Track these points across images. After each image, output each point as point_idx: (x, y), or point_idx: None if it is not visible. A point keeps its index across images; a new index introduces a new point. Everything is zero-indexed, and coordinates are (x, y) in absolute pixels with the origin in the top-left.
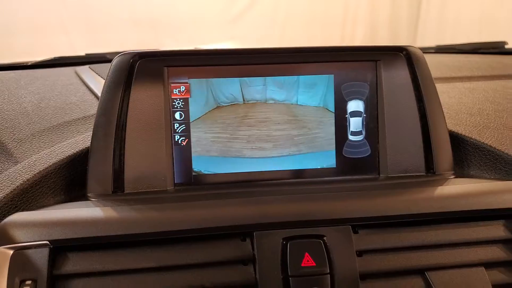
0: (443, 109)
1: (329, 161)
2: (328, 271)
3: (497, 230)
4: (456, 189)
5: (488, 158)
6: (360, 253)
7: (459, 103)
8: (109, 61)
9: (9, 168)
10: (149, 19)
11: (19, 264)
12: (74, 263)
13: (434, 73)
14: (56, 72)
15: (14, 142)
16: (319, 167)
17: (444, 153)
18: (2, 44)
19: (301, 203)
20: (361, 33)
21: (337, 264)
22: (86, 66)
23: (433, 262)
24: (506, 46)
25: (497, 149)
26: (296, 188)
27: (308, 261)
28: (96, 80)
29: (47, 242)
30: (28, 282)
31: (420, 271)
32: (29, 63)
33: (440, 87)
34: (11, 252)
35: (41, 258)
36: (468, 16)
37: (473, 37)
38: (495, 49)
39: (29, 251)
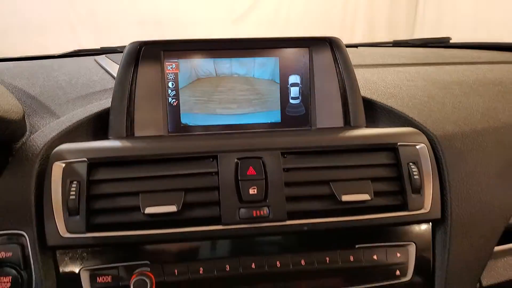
0: (369, 84)
1: (275, 117)
2: (264, 177)
3: (381, 157)
4: (359, 131)
5: (390, 116)
6: (286, 169)
7: (382, 80)
8: (120, 52)
9: (54, 120)
10: (154, 20)
11: (69, 172)
12: (103, 173)
13: (377, 60)
14: (79, 60)
15: (55, 106)
16: (268, 122)
17: (357, 112)
18: (14, 43)
19: (249, 138)
20: (360, 34)
21: (269, 174)
22: (103, 55)
23: (336, 177)
24: (451, 41)
25: (395, 109)
26: (250, 133)
27: (251, 172)
28: (111, 65)
29: (85, 159)
30: (75, 182)
31: (326, 182)
32: (56, 54)
33: (375, 70)
34: (64, 165)
35: (82, 169)
36: (464, 15)
37: (469, 35)
38: (441, 43)
39: (74, 165)
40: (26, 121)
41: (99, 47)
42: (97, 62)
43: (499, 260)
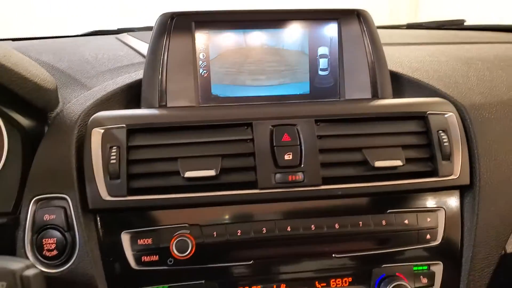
0: (393, 59)
1: (304, 89)
2: (298, 144)
3: (411, 125)
4: (390, 101)
5: (416, 88)
6: (320, 137)
7: (405, 56)
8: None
9: (86, 92)
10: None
11: (108, 137)
12: (142, 139)
13: (396, 40)
14: (101, 38)
15: (85, 79)
16: (298, 93)
17: (385, 84)
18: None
19: (282, 106)
20: None
21: (304, 141)
22: (124, 34)
23: (368, 144)
24: (465, 23)
25: (421, 81)
26: (281, 103)
27: (286, 138)
28: (134, 41)
29: (124, 125)
30: (114, 147)
31: (359, 149)
32: (79, 34)
33: (396, 48)
34: (103, 131)
35: (121, 135)
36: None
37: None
38: (455, 25)
39: (113, 131)
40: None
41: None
42: (119, 40)
43: None
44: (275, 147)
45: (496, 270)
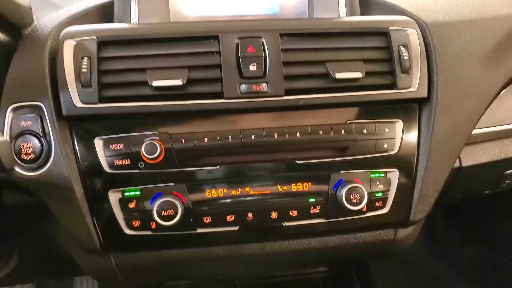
0: None
1: (274, 9)
2: (263, 55)
3: (373, 41)
4: (354, 18)
5: (382, 9)
6: (284, 50)
7: None
8: None
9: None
10: None
11: (80, 49)
12: (112, 50)
13: None
14: None
15: (59, 1)
16: (267, 13)
17: (353, 4)
18: None
19: (249, 22)
20: None
21: (268, 53)
22: None
23: (331, 58)
24: None
25: (388, 2)
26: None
27: (251, 50)
28: None
29: (95, 37)
30: (85, 58)
31: (321, 62)
32: None
33: None
34: (74, 42)
35: (92, 46)
36: None
37: None
38: None
39: (85, 42)
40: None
41: None
42: None
43: (479, 144)
44: (240, 58)
45: (454, 181)
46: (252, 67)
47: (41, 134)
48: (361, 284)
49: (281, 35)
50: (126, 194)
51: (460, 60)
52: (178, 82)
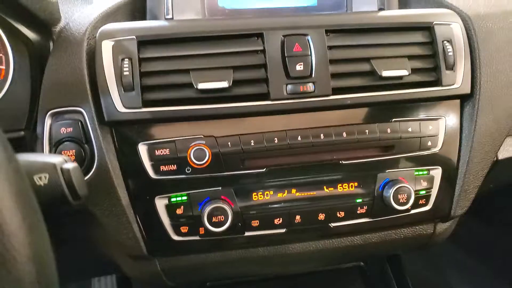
0: None
1: (312, 1)
2: (309, 54)
3: (417, 36)
4: (397, 12)
5: (421, 0)
6: (330, 47)
7: None
8: None
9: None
10: None
11: (119, 49)
12: (153, 51)
13: None
14: None
15: None
16: (305, 5)
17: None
18: None
19: (293, 17)
20: None
21: (314, 51)
22: None
23: (376, 54)
24: None
25: None
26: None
27: (297, 49)
28: None
29: (134, 37)
30: (126, 59)
31: (367, 59)
32: None
33: None
34: (113, 42)
35: (132, 46)
36: None
37: None
38: None
39: (124, 42)
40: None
41: None
42: None
43: None
44: (286, 58)
45: (488, 174)
46: (299, 67)
47: (83, 141)
48: (394, 274)
49: (327, 32)
50: (173, 200)
51: (502, 54)
52: (224, 84)
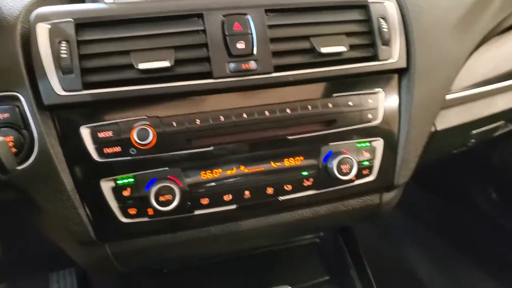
0: None
1: None
2: (250, 32)
3: (354, 14)
4: None
5: None
6: (270, 26)
7: None
8: None
9: None
10: None
11: (56, 32)
12: (91, 33)
13: None
14: None
15: None
16: None
17: None
18: None
19: None
20: None
21: (255, 30)
22: None
23: (315, 32)
24: None
25: None
26: None
27: (237, 27)
28: None
29: (71, 19)
30: (64, 42)
31: (306, 37)
32: None
33: None
34: (49, 26)
35: (69, 29)
36: None
37: None
38: None
39: (61, 25)
40: None
41: None
42: None
43: (451, 108)
44: (227, 36)
45: (428, 144)
46: (240, 45)
47: (21, 126)
48: (348, 248)
49: (266, 11)
50: (119, 182)
51: (434, 30)
52: (166, 63)
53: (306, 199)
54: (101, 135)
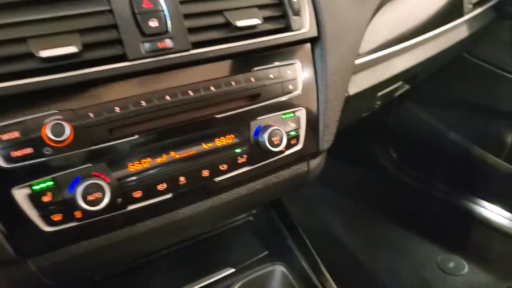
0: None
1: None
2: (161, 9)
3: None
4: None
5: None
6: (181, 2)
7: None
8: None
9: None
10: None
11: None
12: None
13: None
14: None
15: None
16: None
17: None
18: None
19: None
20: None
21: (166, 6)
22: None
23: (228, 6)
24: None
25: None
26: None
27: (147, 4)
28: None
29: None
30: None
31: (220, 12)
32: None
33: None
34: None
35: None
36: None
37: None
38: None
39: None
40: None
41: None
42: None
43: (359, 73)
44: (137, 15)
45: (343, 109)
46: (153, 23)
47: None
48: (281, 218)
49: None
50: (36, 187)
51: (338, 1)
52: (72, 49)
53: (242, 176)
54: (4, 137)
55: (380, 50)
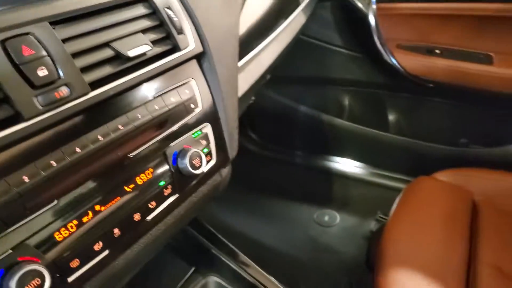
0: None
1: None
2: (46, 54)
3: (140, 9)
4: None
5: None
6: (64, 40)
7: None
8: None
9: None
10: None
11: None
12: None
13: None
14: None
15: None
16: None
17: None
18: None
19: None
20: None
21: (49, 49)
22: None
23: (113, 36)
24: None
25: None
26: None
27: (28, 52)
28: None
29: None
30: None
31: (106, 44)
32: None
33: None
34: None
35: None
36: None
37: None
38: None
39: None
40: None
41: None
42: None
43: (241, 73)
44: (20, 66)
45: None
46: (41, 72)
47: None
48: (198, 231)
49: (51, 24)
50: None
51: (210, 8)
52: None
53: (169, 206)
54: None
55: (248, 50)
